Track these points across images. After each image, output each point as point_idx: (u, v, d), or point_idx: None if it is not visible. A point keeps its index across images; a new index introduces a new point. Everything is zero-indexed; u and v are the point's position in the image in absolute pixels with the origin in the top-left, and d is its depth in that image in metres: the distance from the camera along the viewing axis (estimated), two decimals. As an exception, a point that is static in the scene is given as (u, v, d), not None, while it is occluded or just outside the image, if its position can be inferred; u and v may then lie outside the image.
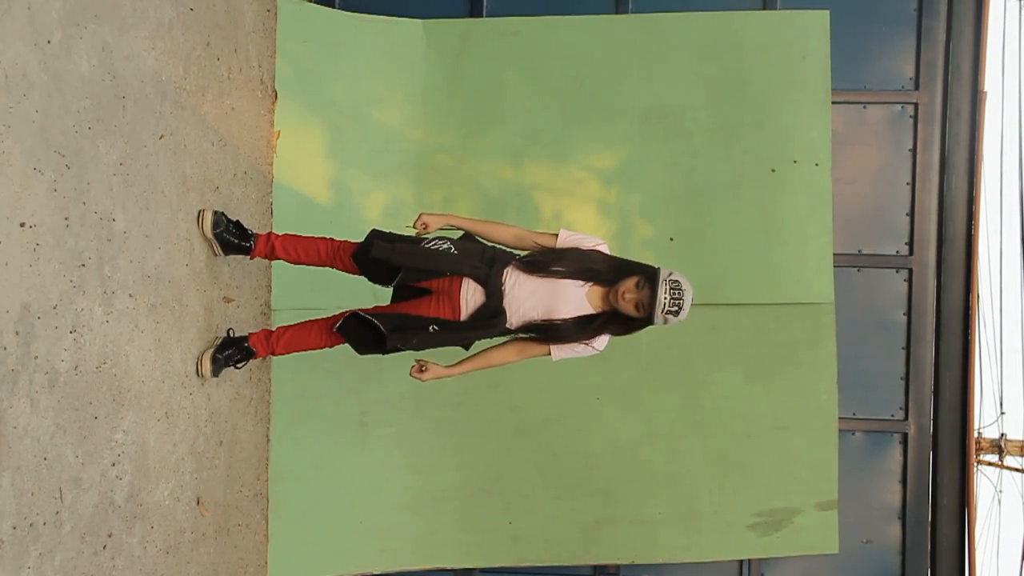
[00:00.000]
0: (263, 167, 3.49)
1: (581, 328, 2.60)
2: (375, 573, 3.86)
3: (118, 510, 2.39)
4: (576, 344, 2.63)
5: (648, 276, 2.51)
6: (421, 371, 2.67)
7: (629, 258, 2.68)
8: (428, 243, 2.64)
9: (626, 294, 2.51)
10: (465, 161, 3.96)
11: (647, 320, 2.52)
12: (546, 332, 2.62)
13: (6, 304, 1.91)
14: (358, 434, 3.82)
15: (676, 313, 2.47)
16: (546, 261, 2.61)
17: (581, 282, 2.60)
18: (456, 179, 3.94)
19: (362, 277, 2.78)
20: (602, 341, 2.65)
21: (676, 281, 2.47)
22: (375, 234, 2.71)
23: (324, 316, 2.83)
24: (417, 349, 2.67)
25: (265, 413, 3.52)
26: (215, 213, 2.83)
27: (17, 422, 1.96)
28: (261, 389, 3.47)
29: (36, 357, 2.01)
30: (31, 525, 2.02)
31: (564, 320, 2.58)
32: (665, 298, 2.44)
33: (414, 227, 2.64)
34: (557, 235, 2.66)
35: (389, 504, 3.86)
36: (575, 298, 2.59)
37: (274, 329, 2.88)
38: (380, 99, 3.91)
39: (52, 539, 2.10)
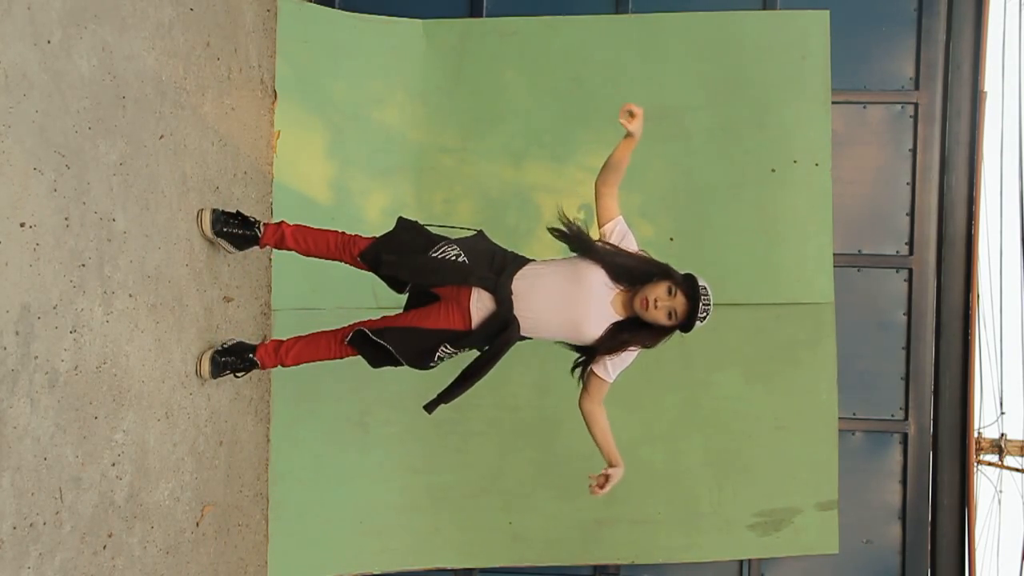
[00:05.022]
0: (263, 167, 3.49)
1: (611, 338, 2.50)
2: (375, 573, 3.86)
3: (118, 510, 2.39)
4: (618, 353, 2.53)
5: (681, 282, 2.42)
6: (601, 487, 2.73)
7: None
8: (437, 251, 2.57)
9: (658, 301, 2.40)
10: (465, 161, 3.95)
11: (680, 329, 2.43)
12: (587, 351, 2.54)
13: (6, 304, 1.91)
14: (358, 434, 3.82)
15: (703, 319, 2.40)
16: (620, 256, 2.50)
17: (610, 287, 2.49)
18: (456, 179, 3.94)
19: (363, 273, 2.76)
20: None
21: (704, 287, 2.41)
22: (382, 245, 2.63)
23: (326, 326, 2.80)
24: (432, 368, 2.64)
25: (265, 413, 3.52)
26: (213, 211, 2.83)
27: (17, 422, 1.96)
28: (261, 389, 3.47)
29: (36, 357, 2.01)
30: (31, 525, 2.02)
31: (597, 339, 2.49)
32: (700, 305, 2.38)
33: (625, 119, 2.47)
34: (616, 219, 2.56)
35: (389, 504, 3.85)
36: (600, 305, 2.48)
37: (283, 340, 2.82)
38: (380, 99, 3.91)
39: (52, 539, 2.10)
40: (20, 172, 1.95)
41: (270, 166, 3.57)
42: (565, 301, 2.49)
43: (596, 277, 2.48)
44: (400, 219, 2.70)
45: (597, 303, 2.48)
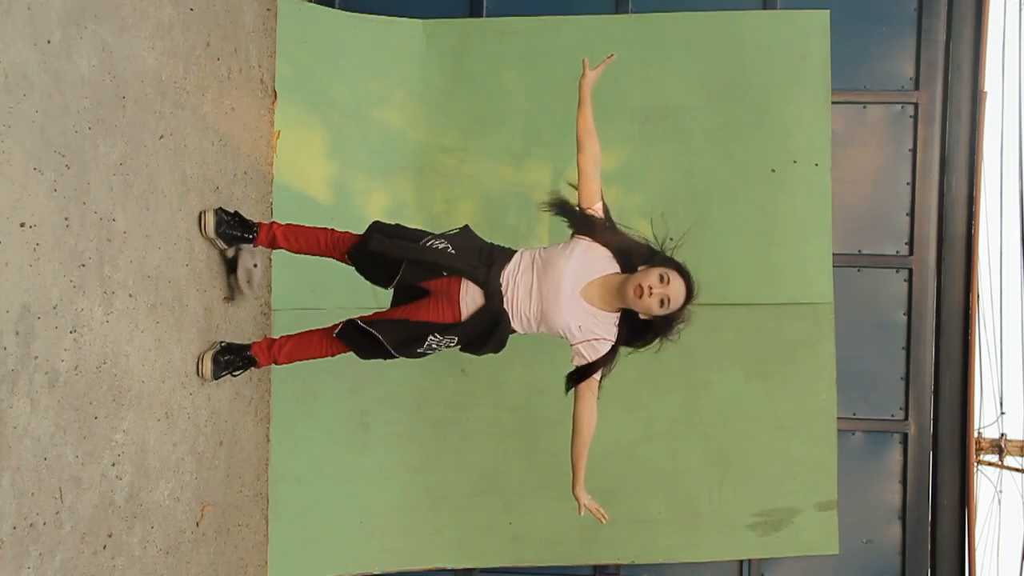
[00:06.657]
0: (263, 167, 3.49)
1: (636, 335, 2.51)
2: (375, 573, 3.86)
3: (118, 510, 2.39)
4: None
5: (675, 267, 2.40)
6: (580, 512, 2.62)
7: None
8: (427, 241, 2.60)
9: (652, 289, 2.33)
10: (465, 161, 3.95)
11: (670, 319, 2.41)
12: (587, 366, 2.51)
13: (6, 304, 1.91)
14: (358, 434, 3.82)
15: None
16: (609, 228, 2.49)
17: (583, 277, 2.46)
18: (456, 179, 3.94)
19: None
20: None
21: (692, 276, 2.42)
22: (375, 226, 2.66)
23: (324, 326, 2.79)
24: (422, 356, 2.65)
25: (265, 413, 3.52)
26: (216, 213, 2.83)
27: (17, 422, 1.96)
28: (261, 389, 3.47)
29: (36, 357, 2.02)
30: (31, 525, 2.02)
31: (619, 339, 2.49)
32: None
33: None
34: (601, 203, 2.53)
35: (389, 504, 3.85)
36: (570, 296, 2.45)
37: (276, 338, 2.86)
38: (380, 99, 3.91)
39: (52, 539, 2.10)
40: (20, 172, 1.95)
41: (270, 166, 3.57)
42: (537, 292, 2.49)
43: (567, 267, 2.47)
44: (376, 221, 2.70)
45: (567, 294, 2.46)
